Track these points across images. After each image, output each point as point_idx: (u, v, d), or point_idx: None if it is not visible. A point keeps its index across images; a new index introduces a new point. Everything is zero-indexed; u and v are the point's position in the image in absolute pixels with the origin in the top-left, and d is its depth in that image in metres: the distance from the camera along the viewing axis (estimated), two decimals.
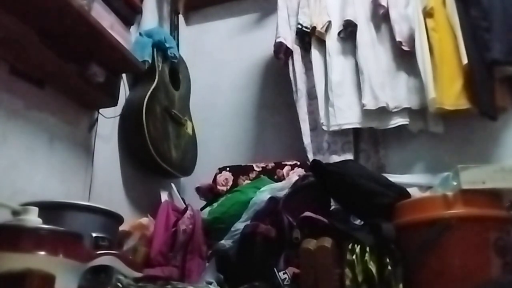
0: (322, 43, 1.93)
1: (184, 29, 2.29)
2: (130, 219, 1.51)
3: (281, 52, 1.98)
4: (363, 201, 1.35)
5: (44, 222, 0.77)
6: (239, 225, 1.47)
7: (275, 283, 1.23)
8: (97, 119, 1.58)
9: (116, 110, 1.65)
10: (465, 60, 1.65)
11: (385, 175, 1.55)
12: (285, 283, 1.22)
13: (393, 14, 1.82)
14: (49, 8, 1.15)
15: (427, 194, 1.44)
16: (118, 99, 1.57)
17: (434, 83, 1.68)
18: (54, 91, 1.38)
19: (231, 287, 1.34)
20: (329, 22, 1.92)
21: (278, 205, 1.42)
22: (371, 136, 1.89)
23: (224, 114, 2.24)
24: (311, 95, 1.93)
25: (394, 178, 1.53)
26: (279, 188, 1.53)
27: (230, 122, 2.22)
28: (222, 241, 1.47)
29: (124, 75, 1.69)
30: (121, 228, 1.28)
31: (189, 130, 1.99)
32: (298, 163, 1.82)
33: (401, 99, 1.78)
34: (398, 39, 1.78)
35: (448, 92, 1.67)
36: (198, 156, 2.04)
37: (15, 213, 0.78)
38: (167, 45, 1.87)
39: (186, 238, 1.48)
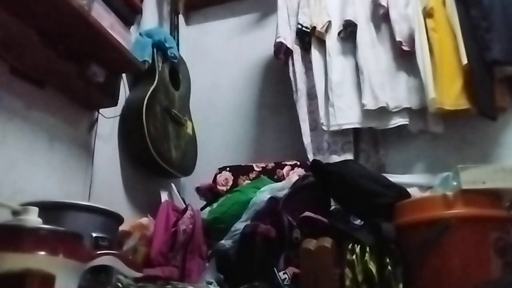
0: (322, 43, 1.93)
1: (184, 29, 2.29)
2: (130, 219, 1.51)
3: (281, 52, 1.98)
4: (363, 201, 1.35)
5: (44, 222, 0.77)
6: (239, 225, 1.46)
7: (275, 283, 1.23)
8: (97, 119, 1.58)
9: (116, 110, 1.65)
10: (465, 60, 1.65)
11: (385, 175, 1.54)
12: (285, 283, 1.22)
13: (393, 14, 1.82)
14: (49, 8, 1.15)
15: (427, 194, 1.44)
16: (118, 99, 1.57)
17: (434, 83, 1.68)
18: (54, 91, 1.38)
19: (231, 287, 1.34)
20: (329, 22, 1.92)
21: (278, 205, 1.42)
22: (371, 136, 1.89)
23: (224, 114, 2.24)
24: (311, 95, 1.93)
25: (394, 178, 1.53)
26: (279, 188, 1.53)
27: (230, 122, 2.21)
28: (222, 241, 1.47)
29: (124, 75, 1.69)
30: (121, 228, 1.28)
31: (189, 130, 1.99)
32: (298, 163, 1.82)
33: (401, 99, 1.78)
34: (398, 39, 1.78)
35: (448, 92, 1.67)
36: (198, 156, 2.04)
37: (15, 213, 0.78)
38: (167, 45, 1.87)
39: (186, 238, 1.48)
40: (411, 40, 1.77)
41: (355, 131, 1.86)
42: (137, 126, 1.64)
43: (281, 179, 1.75)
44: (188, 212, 1.53)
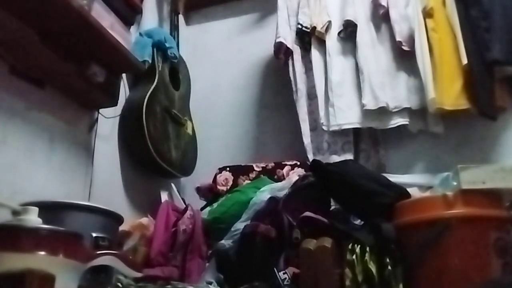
0: (322, 43, 1.93)
1: (184, 29, 2.29)
2: (130, 219, 1.51)
3: (281, 52, 1.98)
4: (363, 201, 1.35)
5: (44, 222, 0.77)
6: (239, 225, 1.47)
7: (275, 283, 1.23)
8: (97, 119, 1.58)
9: (116, 110, 1.65)
10: (465, 60, 1.65)
11: (385, 175, 1.55)
12: (285, 283, 1.22)
13: (393, 14, 1.82)
14: (49, 8, 1.15)
15: (427, 194, 1.44)
16: (118, 99, 1.56)
17: (434, 83, 1.68)
18: (54, 91, 1.38)
19: (231, 287, 1.34)
20: (329, 22, 1.92)
21: (278, 205, 1.42)
22: (371, 136, 1.89)
23: (224, 114, 2.24)
24: (311, 95, 1.93)
25: (394, 178, 1.53)
26: (279, 188, 1.53)
27: (230, 122, 2.21)
28: (222, 241, 1.47)
29: (124, 75, 1.69)
30: (121, 228, 1.28)
31: (189, 130, 1.99)
32: (298, 163, 1.82)
33: (401, 99, 1.78)
34: (398, 39, 1.78)
35: (448, 92, 1.67)
36: (198, 156, 2.04)
37: (15, 213, 0.78)
38: (167, 45, 1.87)
39: (186, 238, 1.48)
40: (411, 40, 1.77)
41: (355, 131, 1.86)
42: (137, 126, 1.64)
43: (281, 179, 1.75)
44: (188, 212, 1.53)
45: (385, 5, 1.82)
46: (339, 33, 1.91)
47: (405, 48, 1.78)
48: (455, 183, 1.20)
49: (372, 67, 1.81)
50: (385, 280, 1.13)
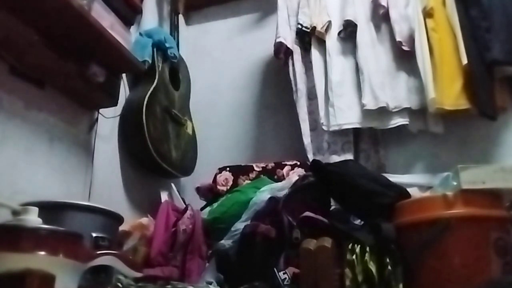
0: (322, 43, 1.93)
1: (184, 29, 2.29)
2: (130, 219, 1.51)
3: (281, 52, 1.98)
4: (363, 201, 1.35)
5: (44, 222, 0.78)
6: (239, 225, 1.47)
7: (275, 283, 1.23)
8: (97, 119, 1.58)
9: (116, 110, 1.65)
10: (465, 60, 1.65)
11: (385, 175, 1.55)
12: (285, 283, 1.22)
13: (393, 14, 1.82)
14: (49, 8, 1.15)
15: (427, 194, 1.44)
16: (118, 99, 1.56)
17: (434, 83, 1.68)
18: (54, 91, 1.38)
19: (231, 287, 1.34)
20: (329, 22, 1.92)
21: (278, 205, 1.42)
22: (371, 136, 1.89)
23: (224, 114, 2.24)
24: (311, 95, 1.93)
25: (394, 178, 1.53)
26: (279, 188, 1.53)
27: (230, 122, 2.21)
28: (222, 241, 1.47)
29: (124, 75, 1.69)
30: (121, 228, 1.28)
31: (189, 130, 1.99)
32: (298, 163, 1.82)
33: (401, 99, 1.78)
34: (398, 39, 1.78)
35: (448, 92, 1.67)
36: (198, 156, 2.04)
37: (15, 213, 0.78)
38: (167, 45, 1.87)
39: (186, 238, 1.48)
40: (411, 40, 1.77)
41: (355, 131, 1.87)
42: (137, 126, 1.64)
43: (281, 179, 1.75)
44: (188, 212, 1.53)
45: (385, 5, 1.83)
46: (339, 33, 1.91)
47: (405, 48, 1.78)
48: (455, 183, 1.20)
49: (372, 67, 1.81)
50: (385, 280, 1.13)
